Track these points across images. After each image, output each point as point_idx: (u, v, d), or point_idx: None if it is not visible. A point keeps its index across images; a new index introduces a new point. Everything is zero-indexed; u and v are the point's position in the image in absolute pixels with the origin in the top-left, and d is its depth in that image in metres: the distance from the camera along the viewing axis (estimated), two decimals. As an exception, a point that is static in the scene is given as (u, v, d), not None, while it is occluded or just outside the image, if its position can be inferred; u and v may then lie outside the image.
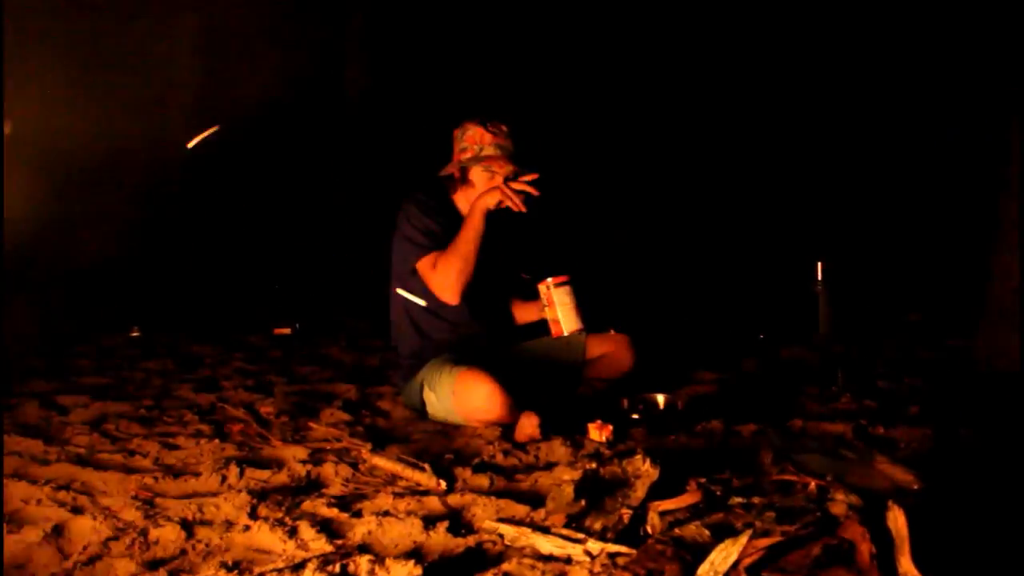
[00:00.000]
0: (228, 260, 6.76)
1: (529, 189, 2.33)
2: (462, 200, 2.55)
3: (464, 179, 2.52)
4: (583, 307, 2.45)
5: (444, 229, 2.44)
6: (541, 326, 2.56)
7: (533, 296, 2.59)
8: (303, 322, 4.69)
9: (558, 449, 2.08)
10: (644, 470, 1.64)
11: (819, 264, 2.84)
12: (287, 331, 4.47)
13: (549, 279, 2.45)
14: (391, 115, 7.47)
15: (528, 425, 2.19)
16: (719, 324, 4.46)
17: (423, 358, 2.52)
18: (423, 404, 2.49)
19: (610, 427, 2.16)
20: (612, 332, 2.70)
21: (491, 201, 2.34)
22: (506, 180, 2.41)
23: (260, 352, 3.89)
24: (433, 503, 1.74)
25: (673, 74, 7.76)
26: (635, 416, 2.35)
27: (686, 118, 7.77)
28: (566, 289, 2.44)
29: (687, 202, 7.71)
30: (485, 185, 2.46)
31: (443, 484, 1.84)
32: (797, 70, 7.40)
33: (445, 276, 2.37)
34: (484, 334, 2.57)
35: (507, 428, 2.27)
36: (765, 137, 7.59)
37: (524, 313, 2.74)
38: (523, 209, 2.33)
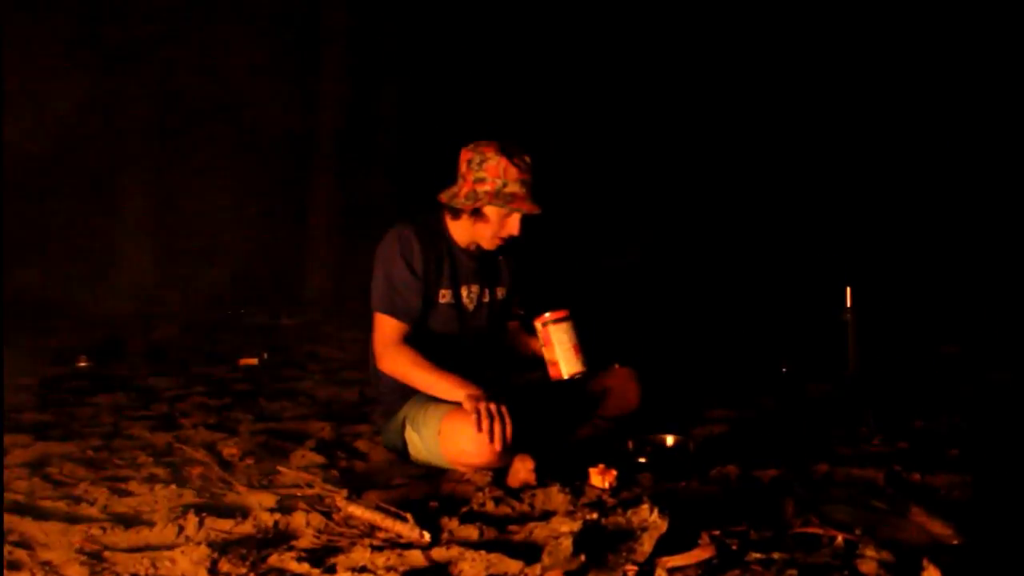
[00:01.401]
0: (193, 282, 6.81)
1: (506, 427, 2.19)
2: (462, 229, 2.52)
3: (477, 213, 2.47)
4: (585, 346, 2.44)
5: (427, 270, 2.45)
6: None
7: (529, 331, 2.60)
8: (272, 352, 4.68)
9: (555, 497, 2.07)
10: (651, 521, 1.63)
11: (848, 290, 2.86)
12: (254, 362, 4.45)
13: (546, 314, 2.44)
14: (373, 128, 7.68)
15: (522, 470, 2.18)
16: (736, 356, 4.46)
17: (405, 394, 2.51)
18: (405, 445, 2.48)
19: (614, 472, 2.16)
20: (616, 366, 2.69)
21: (468, 407, 2.23)
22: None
23: (224, 385, 3.87)
24: (415, 557, 1.73)
25: (698, 87, 7.92)
26: (641, 459, 2.34)
27: (707, 133, 7.91)
28: (565, 326, 2.44)
29: (704, 220, 7.79)
30: (499, 224, 2.44)
31: (427, 536, 1.83)
32: (825, 87, 7.54)
33: (392, 366, 2.42)
34: (475, 369, 2.57)
35: (499, 473, 2.26)
36: (788, 154, 7.70)
37: (527, 346, 2.75)
38: (497, 447, 2.20)
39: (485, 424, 2.17)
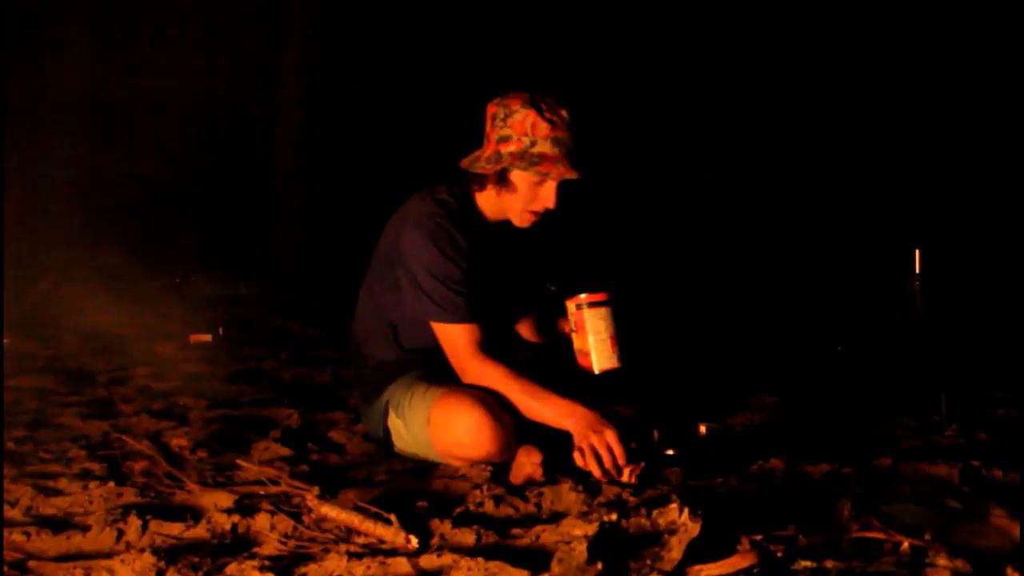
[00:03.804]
0: (135, 246, 6.85)
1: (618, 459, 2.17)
2: (490, 202, 2.48)
3: (503, 180, 2.42)
4: (624, 339, 2.43)
5: (467, 258, 2.41)
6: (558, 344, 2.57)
7: (559, 312, 2.60)
8: (229, 327, 4.69)
9: (567, 495, 2.08)
10: (681, 523, 1.63)
11: (917, 253, 2.85)
12: (207, 338, 4.47)
13: (582, 295, 2.43)
14: (334, 112, 8.01)
15: (528, 463, 2.19)
16: (783, 333, 4.46)
17: (389, 374, 2.51)
18: (388, 435, 2.49)
19: (640, 465, 2.16)
20: None
21: (583, 443, 2.19)
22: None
23: (171, 365, 3.88)
24: (401, 566, 1.73)
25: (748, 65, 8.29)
26: (670, 452, 2.34)
27: (766, 104, 8.26)
28: (603, 312, 2.42)
29: (753, 180, 8.07)
30: (529, 194, 2.38)
31: (414, 541, 1.83)
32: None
33: (485, 380, 2.36)
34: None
35: (500, 467, 2.27)
36: (850, 116, 8.02)
37: (543, 332, 2.76)
38: (603, 479, 2.17)
39: (592, 464, 2.15)
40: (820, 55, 8.35)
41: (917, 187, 7.40)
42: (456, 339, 2.39)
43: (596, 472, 2.14)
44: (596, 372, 2.43)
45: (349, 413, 2.98)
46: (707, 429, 2.46)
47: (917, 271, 2.89)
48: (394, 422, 2.45)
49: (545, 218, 2.46)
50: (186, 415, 3.00)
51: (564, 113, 2.36)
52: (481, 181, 2.45)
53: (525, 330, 2.81)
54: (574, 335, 2.47)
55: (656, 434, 2.40)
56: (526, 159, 2.34)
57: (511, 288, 2.62)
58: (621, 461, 2.15)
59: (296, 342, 4.54)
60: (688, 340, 4.01)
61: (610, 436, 2.16)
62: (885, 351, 3.65)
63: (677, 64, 8.73)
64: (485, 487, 2.16)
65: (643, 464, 2.17)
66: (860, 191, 7.68)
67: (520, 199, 2.41)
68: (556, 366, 2.55)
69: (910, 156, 7.79)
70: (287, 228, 8.05)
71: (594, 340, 2.42)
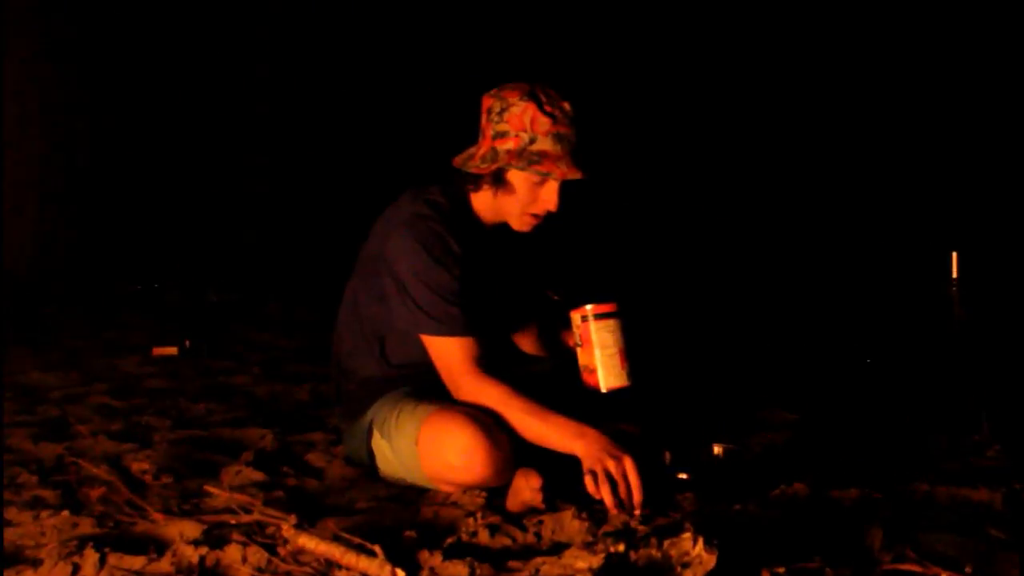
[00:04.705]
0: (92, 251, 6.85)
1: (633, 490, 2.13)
2: (486, 204, 2.47)
3: (499, 180, 2.40)
4: (634, 355, 2.41)
5: (461, 265, 2.39)
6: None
7: (562, 323, 2.59)
8: (197, 338, 4.68)
9: (569, 524, 2.07)
10: (695, 555, 1.62)
11: (953, 256, 2.85)
12: (173, 351, 4.46)
13: (588, 306, 2.40)
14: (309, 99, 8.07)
15: (526, 488, 2.18)
16: (806, 342, 4.46)
17: (373, 391, 2.50)
18: (372, 457, 2.48)
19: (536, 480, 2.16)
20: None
21: (586, 465, 2.17)
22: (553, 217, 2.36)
23: (133, 382, 3.87)
24: (385, 604, 1.73)
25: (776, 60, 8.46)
26: (682, 475, 2.34)
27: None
28: (611, 325, 2.40)
29: (778, 178, 8.16)
30: (529, 195, 2.37)
31: (401, 574, 1.83)
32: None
33: (482, 399, 2.33)
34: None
35: (496, 493, 2.26)
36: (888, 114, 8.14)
37: (545, 345, 2.75)
38: (613, 510, 2.14)
39: (605, 491, 2.11)
40: (850, 49, 8.45)
41: (954, 185, 7.43)
42: (450, 354, 2.37)
43: (609, 502, 2.11)
44: (604, 391, 2.41)
45: (329, 434, 2.97)
46: (723, 450, 2.45)
47: (954, 275, 2.89)
48: (379, 443, 2.44)
49: (546, 221, 2.44)
50: (149, 436, 2.99)
51: (567, 106, 2.35)
52: (476, 181, 2.44)
53: (525, 342, 2.80)
54: (579, 350, 2.45)
55: (667, 455, 2.39)
56: (525, 157, 2.32)
57: (510, 297, 2.61)
58: (637, 495, 2.11)
59: (271, 355, 4.52)
60: (702, 351, 4.01)
61: (628, 464, 2.13)
62: (919, 363, 3.65)
63: (696, 62, 8.84)
64: (479, 515, 2.15)
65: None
66: (893, 189, 7.72)
67: (519, 201, 2.40)
68: (564, 382, 2.54)
69: (944, 153, 7.85)
70: (259, 228, 8.03)
71: (601, 355, 2.40)
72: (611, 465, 2.13)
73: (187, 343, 4.56)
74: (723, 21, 8.85)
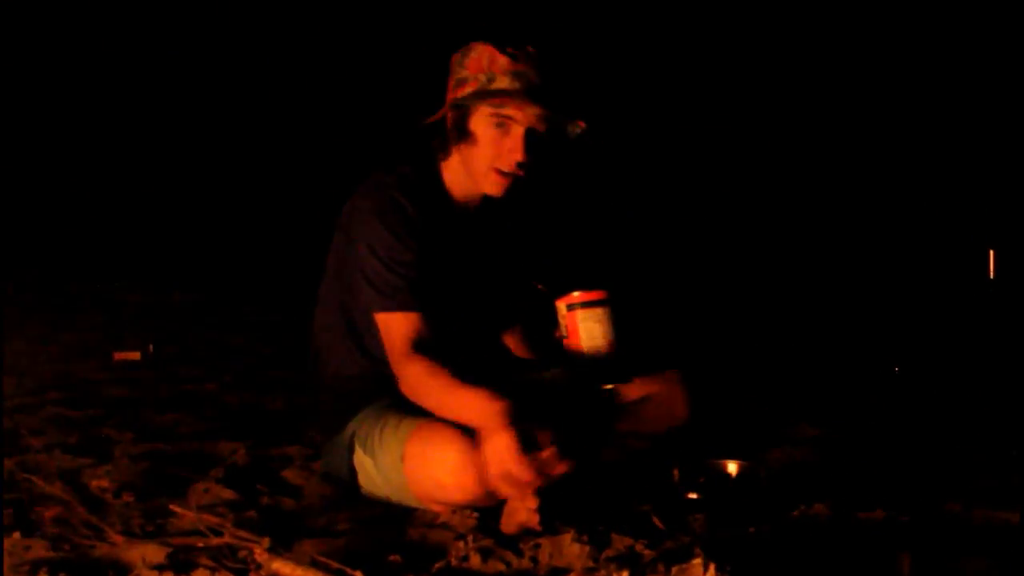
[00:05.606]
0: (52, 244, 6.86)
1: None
2: (457, 176, 2.50)
3: (462, 132, 2.42)
4: (624, 342, 2.43)
5: (424, 243, 2.40)
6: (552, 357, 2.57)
7: (552, 321, 2.59)
8: (161, 342, 4.68)
9: (569, 547, 2.07)
10: (708, 582, 1.63)
11: (991, 254, 2.86)
12: (135, 356, 4.46)
13: (575, 293, 2.43)
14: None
15: (521, 509, 2.18)
16: (830, 349, 4.46)
17: (355, 402, 2.51)
18: (353, 474, 2.48)
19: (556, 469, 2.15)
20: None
21: (503, 489, 2.12)
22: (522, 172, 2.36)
23: (90, 389, 3.87)
24: (368, 634, 1.73)
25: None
26: (693, 495, 2.35)
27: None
28: (599, 313, 2.42)
29: (804, 172, 8.22)
30: (493, 144, 2.38)
31: (384, 604, 1.83)
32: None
33: (407, 388, 2.34)
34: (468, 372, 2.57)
35: (489, 513, 2.26)
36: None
37: (533, 346, 2.76)
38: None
39: (500, 484, 2.09)
40: (881, 42, 8.55)
41: (992, 180, 7.46)
42: (392, 331, 2.37)
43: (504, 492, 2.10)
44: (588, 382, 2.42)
45: (307, 447, 2.96)
46: (737, 467, 2.45)
47: (991, 276, 2.90)
48: (361, 459, 2.44)
49: (519, 184, 2.43)
50: (109, 450, 2.98)
51: (531, 49, 2.39)
52: (444, 145, 2.47)
53: (510, 340, 2.81)
54: (565, 341, 2.46)
55: (676, 473, 2.40)
56: (482, 95, 2.36)
57: (490, 287, 2.62)
58: (519, 476, 2.05)
59: (242, 361, 4.52)
60: (715, 357, 4.01)
61: (501, 443, 2.08)
62: (952, 372, 3.66)
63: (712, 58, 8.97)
64: (471, 537, 2.15)
65: (565, 466, 2.10)
66: (927, 185, 7.76)
67: (483, 154, 2.40)
68: (572, 391, 2.55)
69: (979, 147, 7.91)
70: (234, 223, 8.05)
71: (588, 344, 2.42)
72: (487, 450, 2.10)
73: (151, 347, 4.56)
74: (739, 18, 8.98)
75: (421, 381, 2.31)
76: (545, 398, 2.58)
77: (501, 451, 2.07)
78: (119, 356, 4.46)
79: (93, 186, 8.02)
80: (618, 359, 2.43)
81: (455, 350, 2.48)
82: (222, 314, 5.84)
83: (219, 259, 7.82)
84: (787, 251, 7.23)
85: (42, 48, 8.44)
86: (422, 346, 2.35)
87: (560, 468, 2.07)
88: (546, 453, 2.06)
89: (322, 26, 8.83)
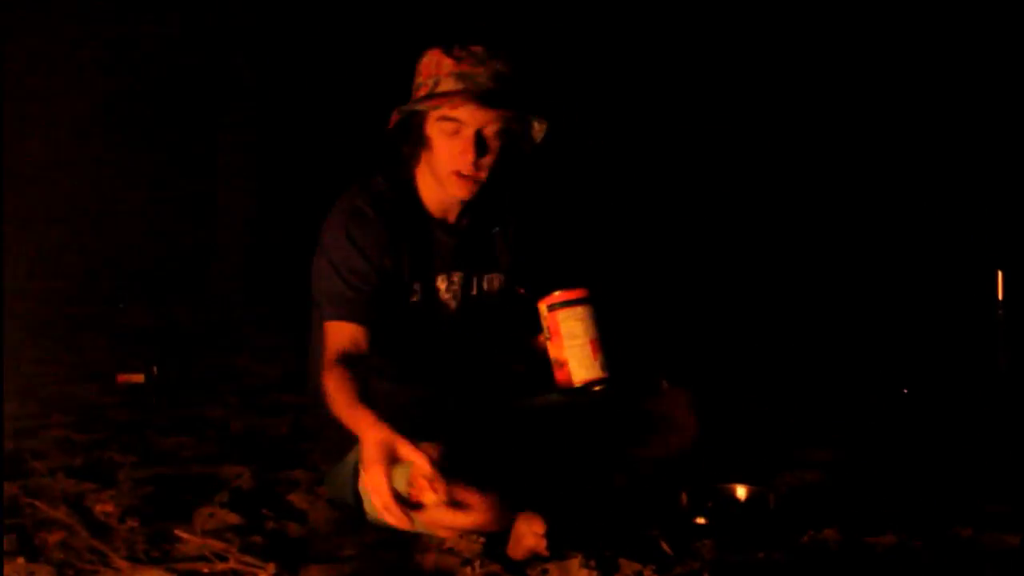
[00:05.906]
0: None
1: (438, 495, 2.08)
2: (427, 178, 2.50)
3: (419, 138, 2.44)
4: (611, 343, 2.42)
5: (386, 254, 2.42)
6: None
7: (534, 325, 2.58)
8: (165, 365, 4.67)
9: (577, 572, 2.07)
10: (718, 610, 1.62)
11: (999, 275, 2.85)
12: (139, 379, 4.45)
13: (556, 293, 2.41)
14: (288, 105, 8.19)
15: (529, 534, 2.17)
16: (837, 370, 4.45)
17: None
18: (358, 499, 2.46)
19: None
20: (664, 384, 2.69)
21: (388, 521, 2.11)
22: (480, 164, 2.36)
23: (94, 412, 3.86)
24: (374, 662, 1.73)
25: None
26: (701, 520, 2.34)
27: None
28: (580, 312, 2.40)
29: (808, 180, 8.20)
30: (447, 147, 2.38)
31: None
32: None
33: (327, 399, 2.30)
34: (454, 393, 2.57)
35: (496, 538, 2.25)
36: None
37: (519, 356, 2.75)
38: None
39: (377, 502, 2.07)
40: (890, 51, 8.56)
41: (1000, 197, 7.45)
42: (327, 339, 2.38)
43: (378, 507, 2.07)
44: (576, 384, 2.40)
45: (312, 471, 2.95)
46: (746, 492, 2.45)
47: (1000, 297, 2.89)
48: (364, 487, 2.43)
49: (487, 188, 2.43)
50: (113, 474, 2.97)
51: (477, 49, 2.38)
52: (413, 152, 2.47)
53: (503, 353, 2.79)
54: (549, 344, 2.43)
55: (684, 497, 2.39)
56: (428, 98, 2.36)
57: (474, 293, 2.61)
58: (387, 508, 2.04)
59: (247, 384, 4.51)
60: (720, 377, 4.01)
61: (371, 478, 2.07)
62: (962, 393, 3.65)
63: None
64: (477, 563, 2.15)
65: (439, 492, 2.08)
66: (933, 201, 7.74)
67: (439, 158, 2.40)
68: (580, 416, 2.54)
69: (986, 161, 7.90)
70: (233, 243, 8.02)
71: (571, 346, 2.39)
72: (366, 481, 2.09)
73: (155, 370, 4.55)
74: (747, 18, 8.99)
75: (329, 394, 2.30)
76: (544, 423, 2.58)
77: (373, 486, 2.06)
78: (123, 378, 4.45)
79: (100, 203, 8.03)
80: (608, 360, 2.42)
81: (435, 362, 2.53)
82: (226, 336, 5.83)
83: (221, 279, 7.81)
84: (792, 268, 7.20)
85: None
86: (347, 358, 2.34)
87: (429, 498, 2.08)
88: (416, 486, 2.09)
89: (317, 40, 8.87)
